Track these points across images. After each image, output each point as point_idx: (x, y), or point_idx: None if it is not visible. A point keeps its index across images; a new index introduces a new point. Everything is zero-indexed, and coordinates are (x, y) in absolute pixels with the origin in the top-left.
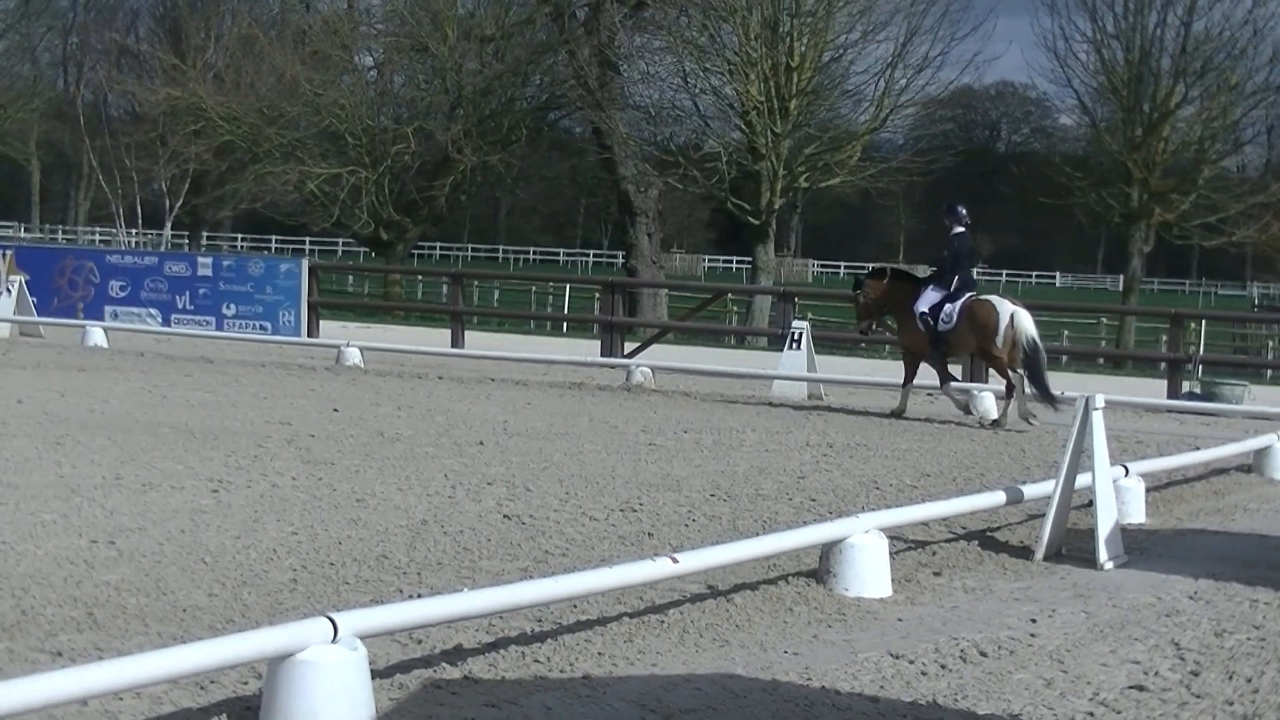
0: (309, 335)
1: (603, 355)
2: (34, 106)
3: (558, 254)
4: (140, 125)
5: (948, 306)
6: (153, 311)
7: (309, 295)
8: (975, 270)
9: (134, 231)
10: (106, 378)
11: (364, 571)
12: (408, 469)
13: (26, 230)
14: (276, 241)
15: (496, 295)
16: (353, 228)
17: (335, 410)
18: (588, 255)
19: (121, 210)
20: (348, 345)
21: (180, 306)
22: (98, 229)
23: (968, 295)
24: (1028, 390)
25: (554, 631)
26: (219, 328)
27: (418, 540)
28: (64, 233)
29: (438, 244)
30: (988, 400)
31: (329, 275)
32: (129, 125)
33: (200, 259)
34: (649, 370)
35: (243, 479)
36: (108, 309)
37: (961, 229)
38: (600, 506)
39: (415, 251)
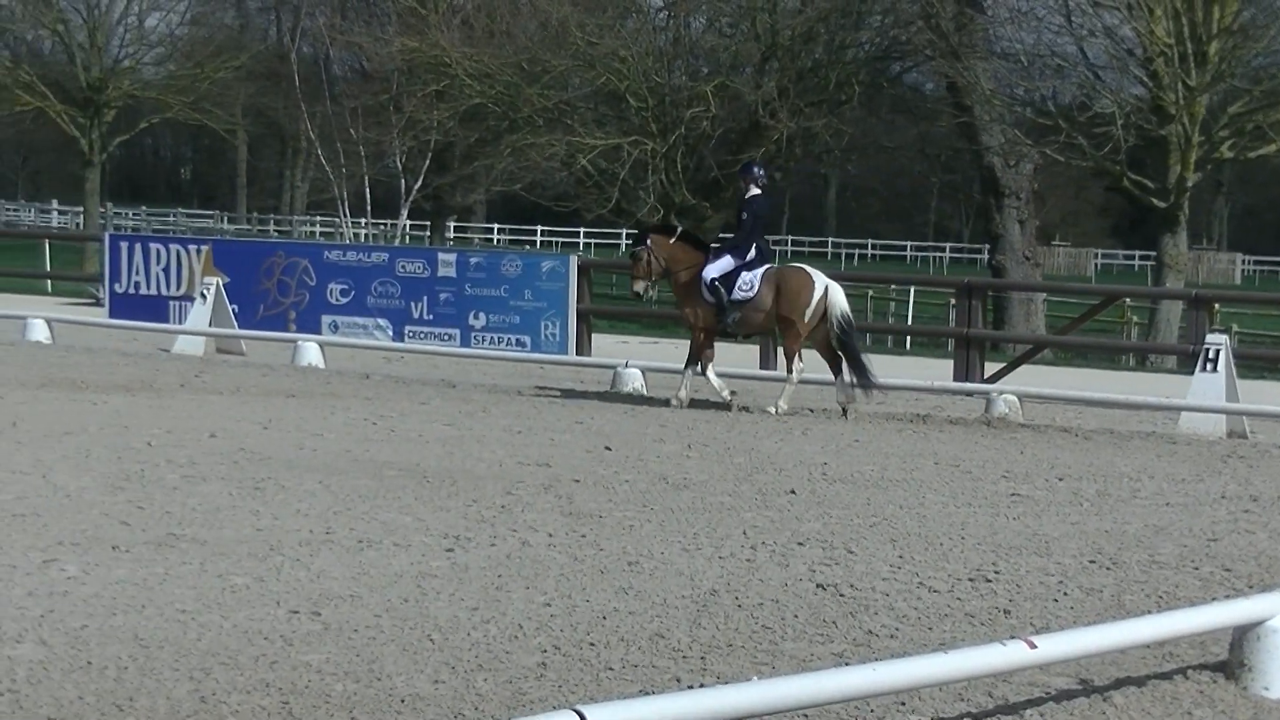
0: (578, 353)
1: (956, 379)
2: (239, 64)
3: (903, 248)
4: (369, 86)
5: (745, 274)
6: (381, 322)
7: (579, 301)
8: None
9: (362, 221)
10: (321, 406)
11: (633, 654)
12: (696, 524)
13: (230, 220)
14: (542, 233)
15: None
16: (637, 214)
17: (607, 449)
18: (942, 249)
19: (346, 194)
20: (626, 365)
21: (416, 316)
22: (318, 218)
23: (768, 266)
24: (846, 378)
25: None
26: (464, 343)
27: (704, 615)
28: (275, 223)
29: None
30: None
31: (605, 275)
32: (355, 86)
33: (442, 255)
34: (1015, 398)
35: (485, 535)
36: (326, 319)
37: (757, 190)
38: (943, 574)
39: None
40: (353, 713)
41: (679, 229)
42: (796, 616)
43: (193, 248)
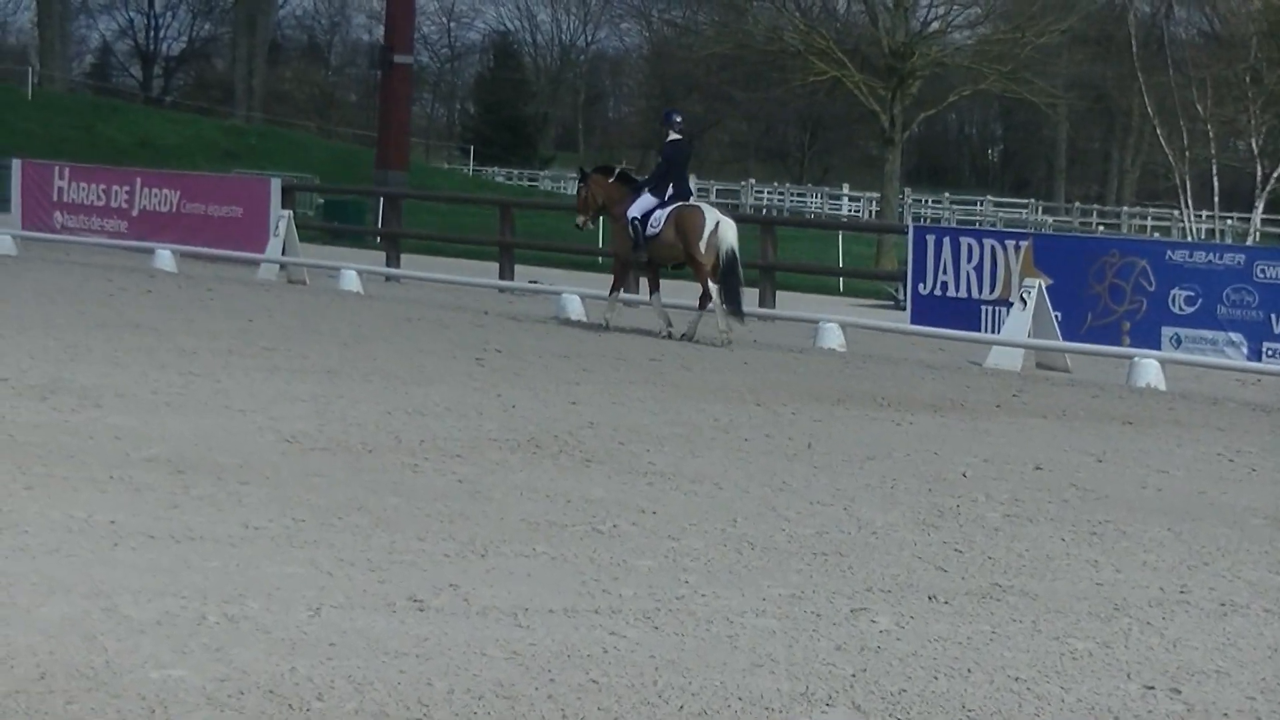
0: None
1: None
2: (1066, 27)
3: None
4: (1220, 53)
5: (658, 212)
6: (1234, 337)
7: None
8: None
9: (1205, 214)
10: (1165, 436)
11: None
12: None
13: (1046, 210)
14: None
15: None
16: None
17: None
18: None
19: (1188, 182)
20: None
21: (1277, 331)
22: (1150, 209)
23: (675, 205)
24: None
25: None
26: None
27: None
28: (1100, 214)
29: None
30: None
31: None
32: (1204, 54)
33: None
34: None
35: None
36: (1166, 331)
37: (676, 136)
38: None
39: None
40: None
41: (617, 170)
42: None
43: (1010, 243)
